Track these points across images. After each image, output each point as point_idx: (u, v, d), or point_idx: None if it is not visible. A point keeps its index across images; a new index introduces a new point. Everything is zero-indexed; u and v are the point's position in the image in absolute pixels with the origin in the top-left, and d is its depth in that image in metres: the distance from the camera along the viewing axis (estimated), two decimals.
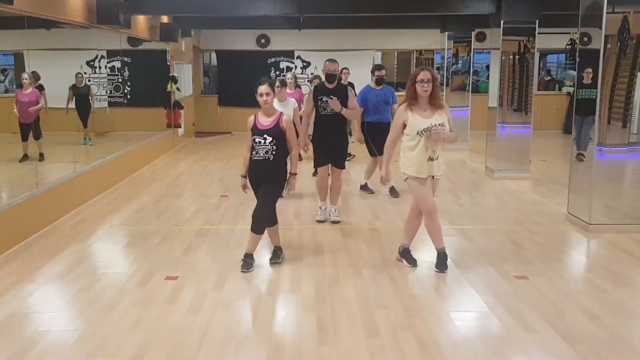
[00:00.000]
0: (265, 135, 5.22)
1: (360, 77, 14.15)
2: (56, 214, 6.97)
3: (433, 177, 5.20)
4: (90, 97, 10.25)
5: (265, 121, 5.28)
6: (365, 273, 5.25)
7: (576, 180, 6.99)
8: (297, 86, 11.12)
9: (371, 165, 8.41)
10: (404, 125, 5.14)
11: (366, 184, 8.53)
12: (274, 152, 5.23)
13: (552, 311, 4.42)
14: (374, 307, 4.51)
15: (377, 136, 7.97)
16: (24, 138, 8.26)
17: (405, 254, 5.49)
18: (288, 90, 10.54)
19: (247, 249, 5.37)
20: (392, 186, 8.29)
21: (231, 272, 5.25)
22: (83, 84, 10.06)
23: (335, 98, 6.61)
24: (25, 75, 8.12)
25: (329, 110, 6.64)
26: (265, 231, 5.44)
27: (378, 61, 19.11)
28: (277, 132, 5.24)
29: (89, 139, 10.28)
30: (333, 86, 6.69)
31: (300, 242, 6.20)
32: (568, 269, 5.60)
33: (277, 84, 7.88)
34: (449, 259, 5.48)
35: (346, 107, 6.69)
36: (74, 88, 9.75)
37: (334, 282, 5.06)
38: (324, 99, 6.67)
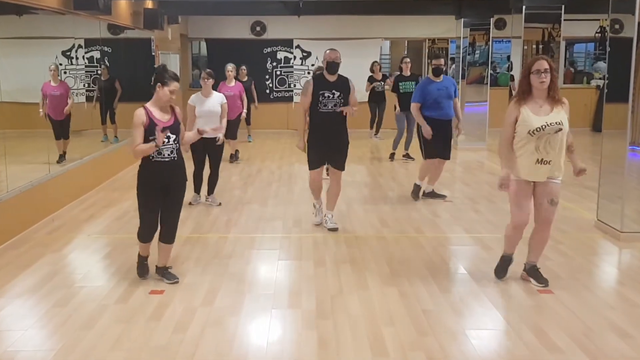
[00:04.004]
0: (169, 133, 5.12)
1: (365, 69, 14.22)
2: (28, 220, 6.99)
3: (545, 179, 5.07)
4: (116, 90, 10.59)
5: (163, 117, 5.13)
6: (372, 286, 5.27)
7: (606, 184, 7.00)
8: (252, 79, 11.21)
9: (429, 168, 8.24)
10: (516, 123, 5.03)
11: (433, 190, 8.41)
12: (177, 150, 5.21)
13: (579, 329, 4.43)
14: (381, 323, 4.53)
15: (435, 135, 7.96)
16: (58, 136, 8.54)
17: (533, 272, 5.33)
18: (227, 84, 10.64)
19: (144, 253, 5.48)
20: (433, 190, 8.33)
21: (223, 286, 5.27)
22: (108, 76, 10.37)
23: (339, 94, 6.56)
24: (52, 67, 8.37)
25: (330, 107, 6.58)
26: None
27: (386, 51, 19.20)
28: (178, 128, 5.21)
29: (115, 136, 10.62)
30: (334, 78, 6.63)
31: (299, 252, 6.22)
32: (597, 282, 5.61)
33: (204, 74, 7.93)
34: (464, 270, 5.50)
35: (347, 101, 6.64)
36: (98, 81, 10.06)
37: (337, 296, 5.07)
38: (326, 94, 6.58)
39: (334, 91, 6.57)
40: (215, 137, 7.74)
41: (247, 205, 8.18)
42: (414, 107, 8.05)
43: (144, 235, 5.37)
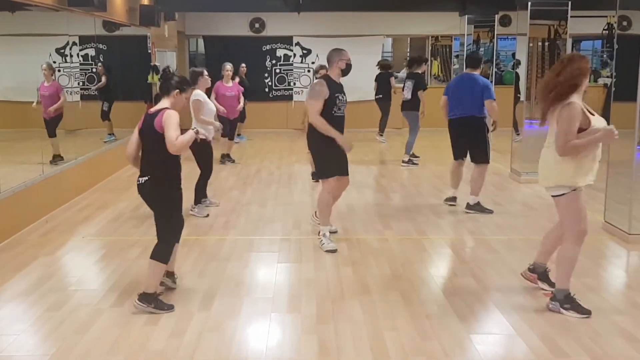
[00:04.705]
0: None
1: (368, 67, 14.23)
2: (21, 222, 6.99)
3: None
4: (110, 87, 10.80)
5: None
6: (374, 290, 5.27)
7: (614, 184, 7.00)
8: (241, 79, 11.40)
9: (476, 175, 7.95)
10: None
11: (479, 202, 7.89)
12: None
13: (586, 333, 4.43)
14: (383, 328, 4.53)
15: None
16: (50, 135, 8.61)
17: (546, 277, 5.21)
18: (225, 83, 10.74)
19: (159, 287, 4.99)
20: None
21: (221, 290, 5.27)
22: (102, 73, 10.69)
23: (345, 97, 6.32)
24: (44, 65, 8.43)
25: (343, 111, 6.30)
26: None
27: (388, 48, 19.20)
28: None
29: (111, 133, 10.73)
30: (339, 80, 6.36)
31: (299, 255, 6.22)
32: (605, 285, 5.61)
33: (206, 73, 7.80)
34: (469, 273, 5.50)
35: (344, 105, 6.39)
36: (98, 78, 10.32)
37: (338, 300, 5.07)
38: (340, 97, 6.25)
39: (344, 94, 6.35)
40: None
41: (246, 207, 8.18)
42: (495, 104, 7.78)
43: (171, 249, 4.97)
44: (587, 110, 4.78)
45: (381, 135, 13.91)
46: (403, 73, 15.50)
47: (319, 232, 6.49)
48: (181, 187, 4.99)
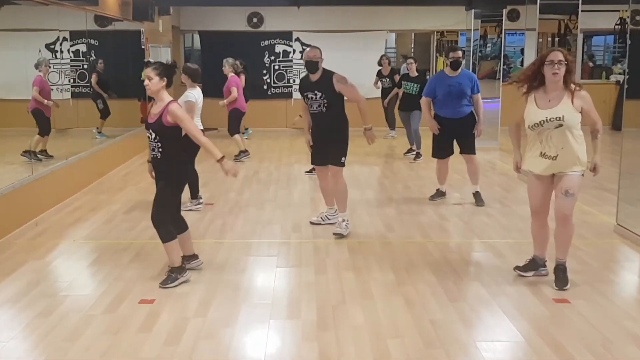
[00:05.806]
0: (150, 131, 5.39)
1: (369, 64, 14.22)
2: (10, 225, 6.99)
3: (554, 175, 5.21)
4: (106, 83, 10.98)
5: (153, 113, 5.43)
6: (376, 295, 5.27)
7: (627, 186, 7.00)
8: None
9: (442, 168, 8.48)
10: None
11: (438, 189, 8.55)
12: (160, 151, 5.40)
13: (597, 340, 4.43)
14: (386, 335, 4.53)
15: (442, 134, 8.16)
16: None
17: (555, 270, 5.46)
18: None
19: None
20: (477, 191, 8.32)
21: (217, 295, 5.28)
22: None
23: (320, 94, 6.61)
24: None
25: (315, 108, 6.71)
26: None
27: (391, 44, 19.22)
28: (161, 128, 5.34)
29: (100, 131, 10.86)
30: (317, 78, 6.68)
31: (299, 258, 6.23)
32: (617, 291, 5.61)
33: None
34: (475, 278, 5.50)
35: (330, 100, 6.63)
36: (98, 74, 10.74)
37: (339, 305, 5.08)
38: (309, 95, 6.72)
39: (315, 92, 6.66)
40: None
41: (244, 209, 8.18)
42: (422, 101, 8.32)
43: None
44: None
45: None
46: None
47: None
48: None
